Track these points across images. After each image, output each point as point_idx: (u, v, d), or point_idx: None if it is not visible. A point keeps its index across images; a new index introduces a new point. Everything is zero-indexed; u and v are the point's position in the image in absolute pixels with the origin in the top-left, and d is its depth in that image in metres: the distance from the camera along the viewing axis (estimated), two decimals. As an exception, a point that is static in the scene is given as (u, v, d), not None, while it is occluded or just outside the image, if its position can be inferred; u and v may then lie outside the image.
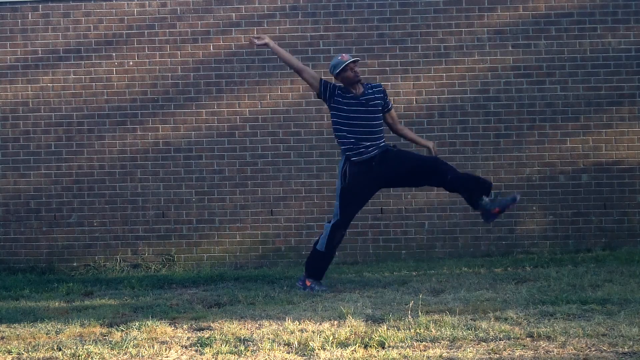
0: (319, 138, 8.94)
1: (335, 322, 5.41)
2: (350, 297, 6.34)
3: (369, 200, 7.11)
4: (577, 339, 4.73)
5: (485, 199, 6.64)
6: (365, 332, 5.04)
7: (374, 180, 6.77)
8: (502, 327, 5.02)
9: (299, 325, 5.35)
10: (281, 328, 5.30)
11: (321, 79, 6.86)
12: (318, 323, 5.41)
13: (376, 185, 6.89)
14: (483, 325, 5.09)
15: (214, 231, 9.05)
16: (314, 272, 6.92)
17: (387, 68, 8.92)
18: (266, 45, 6.94)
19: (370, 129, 6.72)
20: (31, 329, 5.65)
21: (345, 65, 6.74)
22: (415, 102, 8.91)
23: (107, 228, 9.09)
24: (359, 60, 6.97)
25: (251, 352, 4.77)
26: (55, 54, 9.13)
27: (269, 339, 5.01)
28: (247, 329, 5.35)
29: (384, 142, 6.81)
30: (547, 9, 8.90)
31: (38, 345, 5.12)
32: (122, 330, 5.44)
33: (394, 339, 4.82)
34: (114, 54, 9.10)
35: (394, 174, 6.79)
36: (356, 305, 5.90)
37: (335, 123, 6.82)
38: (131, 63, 9.09)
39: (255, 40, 7.00)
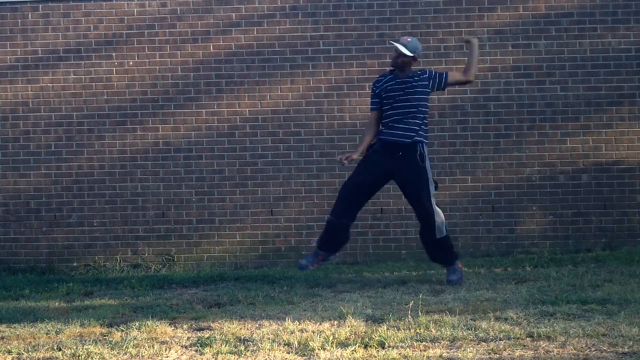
0: (319, 138, 8.94)
1: (335, 322, 5.41)
2: (350, 297, 6.34)
3: (369, 200, 7.10)
4: (577, 339, 4.73)
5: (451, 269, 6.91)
6: (365, 332, 5.04)
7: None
8: (502, 327, 5.02)
9: (299, 325, 5.35)
10: (281, 328, 5.30)
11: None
12: (318, 323, 5.41)
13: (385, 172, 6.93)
14: (483, 325, 5.09)
15: (214, 231, 9.05)
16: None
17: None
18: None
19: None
20: (31, 329, 5.65)
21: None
22: (415, 102, 8.90)
23: (107, 228, 9.09)
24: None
25: (251, 352, 4.77)
26: (55, 54, 9.13)
27: (269, 339, 5.01)
28: (247, 329, 5.35)
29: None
30: (547, 9, 8.90)
31: (38, 345, 5.12)
32: (122, 330, 5.44)
33: (394, 339, 4.82)
34: (114, 54, 9.10)
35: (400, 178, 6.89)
36: (356, 305, 5.90)
37: (425, 107, 6.90)
38: (131, 63, 9.09)
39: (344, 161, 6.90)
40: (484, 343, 4.75)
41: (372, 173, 6.83)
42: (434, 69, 7.09)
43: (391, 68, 6.97)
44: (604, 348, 4.53)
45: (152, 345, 4.96)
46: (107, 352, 4.86)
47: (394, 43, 6.89)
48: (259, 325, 5.48)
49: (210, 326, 5.51)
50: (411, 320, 5.27)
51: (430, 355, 4.52)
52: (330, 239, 6.97)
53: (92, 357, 4.77)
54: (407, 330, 5.05)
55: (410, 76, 6.85)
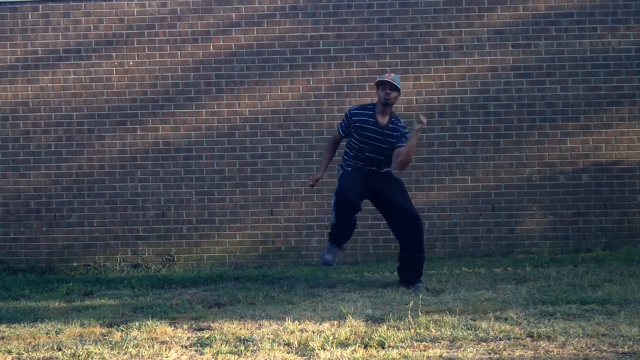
0: (319, 138, 8.94)
1: (335, 322, 5.41)
2: (350, 297, 6.34)
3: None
4: (577, 339, 4.73)
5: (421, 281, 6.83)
6: (365, 332, 5.04)
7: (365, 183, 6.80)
8: (502, 327, 5.02)
9: (299, 325, 5.35)
10: (281, 328, 5.30)
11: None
12: (318, 323, 5.41)
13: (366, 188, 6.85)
14: (483, 325, 5.09)
15: (214, 231, 9.05)
16: None
17: (387, 68, 8.92)
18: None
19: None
20: (31, 329, 5.64)
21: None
22: (415, 102, 8.91)
23: (107, 228, 9.09)
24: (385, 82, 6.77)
25: (251, 352, 4.77)
26: (55, 54, 9.13)
27: (269, 339, 5.01)
28: (247, 329, 5.35)
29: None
30: (547, 9, 8.90)
31: (38, 345, 5.12)
32: (122, 330, 5.43)
33: (394, 339, 4.82)
34: (114, 54, 9.10)
35: (378, 194, 6.84)
36: (356, 305, 5.90)
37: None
38: (131, 63, 9.09)
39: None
40: (484, 343, 4.75)
41: (360, 184, 6.76)
42: (405, 127, 6.85)
43: (379, 103, 6.78)
44: (604, 348, 4.53)
45: (152, 345, 4.96)
46: (107, 352, 4.86)
47: (384, 78, 6.74)
48: (259, 325, 5.48)
49: (210, 326, 5.51)
50: (411, 320, 5.27)
51: (430, 355, 4.52)
52: (342, 234, 6.87)
53: (92, 357, 4.77)
54: (407, 330, 5.04)
55: (393, 123, 6.75)
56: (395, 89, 6.72)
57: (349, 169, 6.84)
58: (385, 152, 6.76)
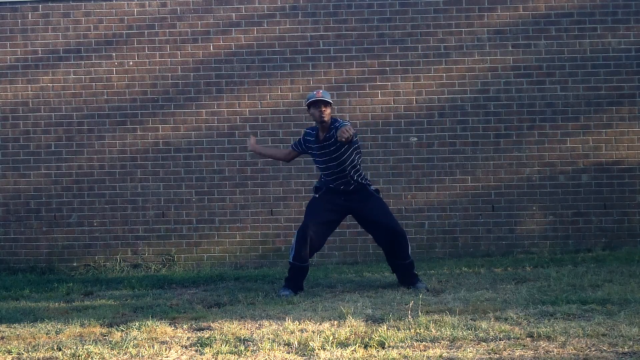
0: (319, 138, 8.93)
1: (335, 322, 5.41)
2: (350, 297, 6.34)
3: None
4: (577, 339, 4.73)
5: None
6: (365, 332, 5.04)
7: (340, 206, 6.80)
8: (502, 327, 5.02)
9: (299, 325, 5.35)
10: (281, 328, 5.30)
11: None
12: (318, 323, 5.41)
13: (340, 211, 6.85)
14: (483, 325, 5.09)
15: (214, 231, 9.05)
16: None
17: (387, 68, 8.93)
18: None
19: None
20: (31, 329, 5.64)
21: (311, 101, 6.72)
22: (415, 102, 8.91)
23: (107, 228, 9.09)
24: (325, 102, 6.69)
25: (251, 352, 4.77)
26: (55, 54, 9.13)
27: (269, 339, 5.01)
28: (247, 329, 5.35)
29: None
30: (547, 9, 8.90)
31: (38, 345, 5.12)
32: (122, 330, 5.43)
33: (394, 339, 4.82)
34: (114, 54, 9.10)
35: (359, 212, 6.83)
36: (356, 305, 5.90)
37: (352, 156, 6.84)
38: (131, 63, 9.09)
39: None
40: (484, 343, 4.75)
41: (331, 211, 6.75)
42: (337, 120, 6.68)
43: (317, 123, 6.77)
44: (604, 348, 4.53)
45: (152, 345, 4.96)
46: (107, 352, 4.86)
47: (314, 97, 6.64)
48: (259, 325, 5.48)
49: (210, 326, 5.51)
50: (411, 320, 5.27)
51: (430, 355, 4.52)
52: (298, 279, 6.82)
53: (92, 357, 4.77)
54: (407, 330, 5.04)
55: (330, 130, 6.64)
56: (327, 104, 6.64)
57: (321, 192, 6.82)
58: (343, 163, 6.67)
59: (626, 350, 4.47)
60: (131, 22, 9.09)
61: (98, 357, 4.78)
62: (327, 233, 6.86)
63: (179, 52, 9.07)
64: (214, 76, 9.05)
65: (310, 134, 6.90)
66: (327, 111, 6.67)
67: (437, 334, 4.94)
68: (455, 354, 4.55)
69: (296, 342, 4.88)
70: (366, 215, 6.82)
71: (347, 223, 8.44)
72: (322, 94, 6.68)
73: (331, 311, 5.76)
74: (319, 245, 6.81)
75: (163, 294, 7.10)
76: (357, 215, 6.89)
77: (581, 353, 4.45)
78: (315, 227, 6.68)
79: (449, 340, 4.82)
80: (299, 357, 4.65)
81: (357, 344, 4.77)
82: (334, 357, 4.58)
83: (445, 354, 4.54)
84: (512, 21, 8.92)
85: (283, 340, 4.95)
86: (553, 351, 4.52)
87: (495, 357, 4.47)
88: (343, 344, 4.80)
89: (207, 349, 4.85)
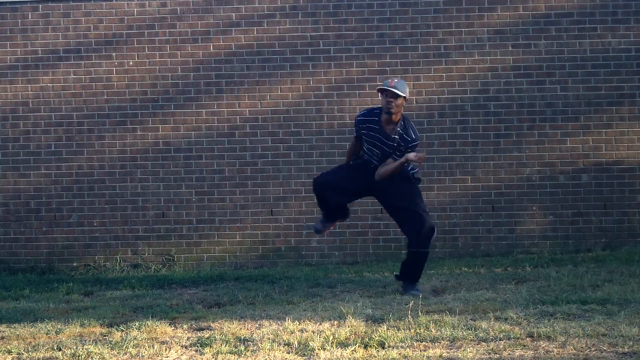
0: (319, 138, 8.94)
1: (335, 322, 5.41)
2: (350, 297, 6.34)
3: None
4: (577, 339, 4.73)
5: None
6: (365, 332, 5.04)
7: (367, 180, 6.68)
8: (502, 327, 5.02)
9: (299, 325, 5.35)
10: (281, 328, 5.30)
11: None
12: (318, 323, 5.41)
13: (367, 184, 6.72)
14: (483, 325, 5.09)
15: (214, 231, 9.05)
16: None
17: (387, 68, 8.92)
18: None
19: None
20: (31, 329, 5.65)
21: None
22: (415, 102, 8.91)
23: (107, 228, 9.09)
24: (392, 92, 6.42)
25: (251, 352, 4.77)
26: (55, 54, 9.13)
27: (269, 339, 5.01)
28: (247, 329, 5.35)
29: None
30: (547, 9, 8.89)
31: (38, 345, 5.12)
32: (122, 330, 5.44)
33: (394, 339, 4.82)
34: (114, 54, 9.10)
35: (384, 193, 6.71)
36: (356, 305, 5.90)
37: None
38: (131, 63, 9.09)
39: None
40: (484, 343, 4.75)
41: (355, 179, 6.67)
42: (411, 136, 6.50)
43: (382, 111, 6.50)
44: (604, 348, 4.53)
45: (152, 345, 4.96)
46: (107, 352, 4.86)
47: (385, 86, 6.40)
48: (259, 325, 5.48)
49: (210, 326, 5.51)
50: (411, 320, 5.27)
51: (430, 355, 4.52)
52: (330, 212, 6.85)
53: (92, 357, 4.77)
54: (407, 330, 5.05)
55: (399, 133, 6.46)
56: (397, 96, 6.35)
57: (358, 161, 6.73)
58: (389, 157, 6.55)
59: (626, 350, 4.48)
60: (131, 22, 9.09)
61: (98, 357, 4.78)
62: (355, 193, 6.75)
63: (179, 52, 9.07)
64: (214, 76, 9.04)
65: (374, 113, 6.54)
66: (397, 102, 6.36)
67: (437, 334, 4.94)
68: (455, 354, 4.55)
69: (296, 342, 4.89)
70: (390, 197, 6.61)
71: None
72: (395, 84, 6.38)
73: (331, 311, 5.77)
74: (336, 200, 6.68)
75: (163, 294, 7.10)
76: (382, 195, 6.69)
77: (581, 353, 4.45)
78: (334, 182, 6.61)
79: (449, 340, 4.83)
80: (299, 357, 4.65)
81: (357, 344, 4.77)
82: (334, 357, 4.58)
83: (445, 354, 4.54)
84: (512, 21, 8.92)
85: (283, 340, 4.95)
86: (553, 351, 4.52)
87: (495, 357, 4.47)
88: (343, 344, 4.81)
89: (207, 349, 4.85)
